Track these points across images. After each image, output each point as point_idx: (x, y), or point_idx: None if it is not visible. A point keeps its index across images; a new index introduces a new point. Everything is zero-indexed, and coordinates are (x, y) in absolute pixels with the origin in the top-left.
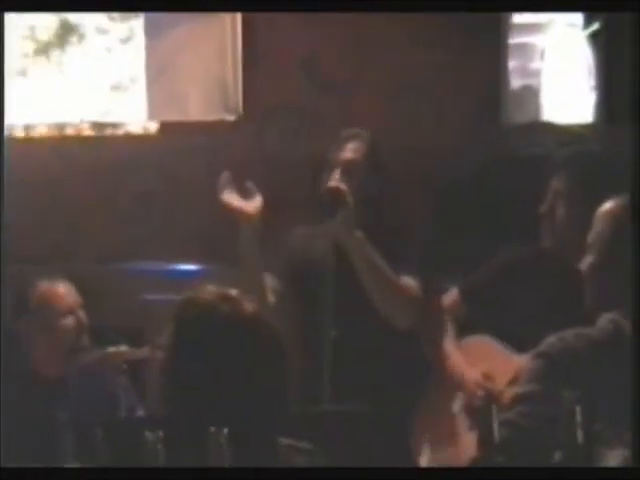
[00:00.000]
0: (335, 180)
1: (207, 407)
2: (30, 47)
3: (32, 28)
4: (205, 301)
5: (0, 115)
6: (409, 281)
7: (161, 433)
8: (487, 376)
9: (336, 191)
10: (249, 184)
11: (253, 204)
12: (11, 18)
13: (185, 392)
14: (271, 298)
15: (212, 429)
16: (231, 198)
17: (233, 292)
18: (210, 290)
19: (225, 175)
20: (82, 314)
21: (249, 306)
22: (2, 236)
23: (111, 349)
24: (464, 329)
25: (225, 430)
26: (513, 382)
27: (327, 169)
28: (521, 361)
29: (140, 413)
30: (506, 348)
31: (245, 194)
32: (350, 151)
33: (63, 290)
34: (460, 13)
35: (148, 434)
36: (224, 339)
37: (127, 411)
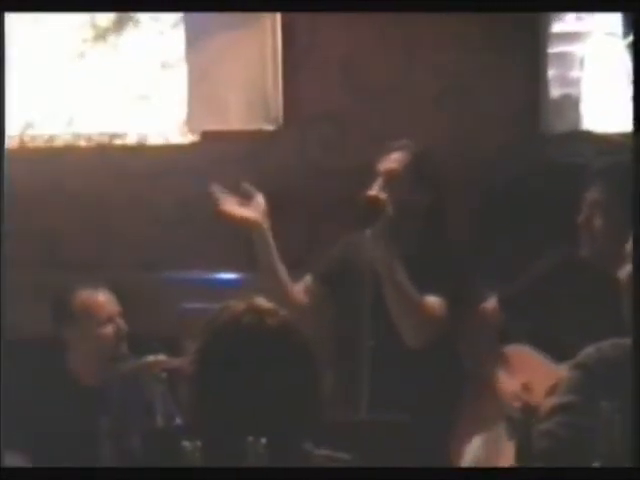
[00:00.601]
0: (375, 189)
1: (235, 417)
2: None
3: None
4: (231, 311)
5: (1, 116)
6: (433, 300)
7: (199, 443)
8: (526, 387)
9: (374, 200)
10: (245, 185)
11: (256, 208)
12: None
13: (211, 402)
14: (304, 299)
15: (250, 439)
16: (231, 208)
17: (262, 302)
18: (243, 300)
19: (215, 187)
20: (121, 322)
21: (275, 316)
22: (2, 237)
23: (149, 358)
24: (503, 338)
25: (263, 440)
26: (551, 392)
27: (371, 179)
28: (561, 371)
29: (178, 422)
30: (546, 358)
31: (245, 197)
32: (393, 161)
33: (103, 298)
34: (498, 20)
35: (186, 443)
36: (248, 350)
37: (165, 420)
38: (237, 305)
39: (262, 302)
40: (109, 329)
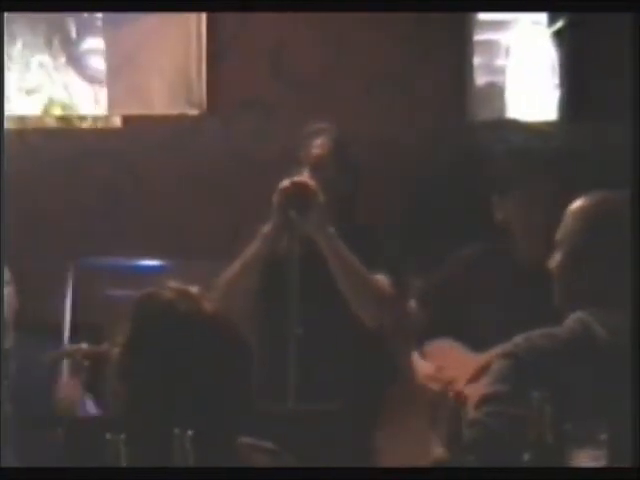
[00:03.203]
0: (304, 176)
1: (166, 407)
2: None
3: None
4: (163, 298)
5: (0, 114)
6: (382, 279)
7: (123, 435)
8: (440, 369)
9: (305, 187)
10: None
11: None
12: None
13: (142, 392)
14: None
15: (176, 431)
16: None
17: (193, 289)
18: (169, 287)
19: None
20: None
21: (209, 304)
22: (2, 236)
23: (71, 345)
24: (426, 331)
25: (189, 432)
26: (472, 380)
27: (295, 166)
28: (480, 359)
29: (99, 412)
30: (468, 348)
31: None
32: (318, 147)
33: None
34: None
35: (109, 435)
36: (183, 337)
37: (85, 410)
38: (165, 292)
39: (193, 288)
40: None
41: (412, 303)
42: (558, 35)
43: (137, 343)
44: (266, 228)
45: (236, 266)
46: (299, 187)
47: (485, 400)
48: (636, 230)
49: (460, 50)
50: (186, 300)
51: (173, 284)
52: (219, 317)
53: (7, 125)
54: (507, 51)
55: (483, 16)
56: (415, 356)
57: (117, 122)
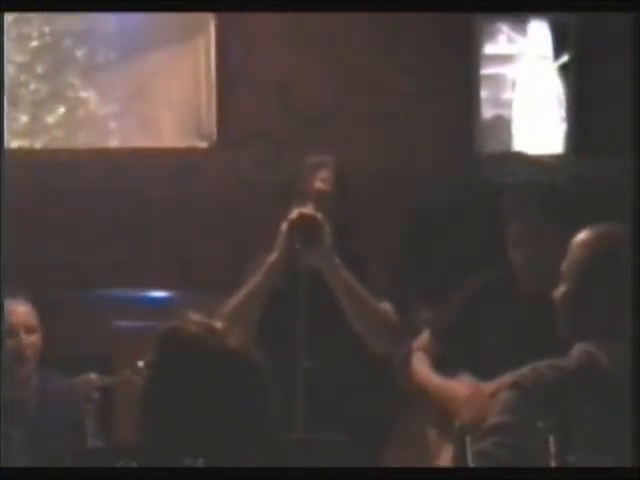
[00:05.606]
0: (309, 209)
1: (189, 439)
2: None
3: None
4: (188, 332)
5: (0, 118)
6: (387, 307)
7: (135, 464)
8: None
9: (313, 219)
10: None
11: None
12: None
13: (166, 424)
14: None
15: (187, 460)
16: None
17: (218, 324)
18: (193, 320)
19: None
20: (32, 337)
21: (234, 339)
22: (2, 241)
23: (81, 376)
24: (439, 365)
25: (200, 461)
26: (478, 408)
27: (298, 198)
28: (487, 388)
29: (109, 442)
30: (475, 378)
31: None
32: (321, 181)
33: (17, 309)
34: (431, 42)
35: (121, 465)
36: (210, 372)
37: (94, 440)
38: (190, 326)
39: (218, 323)
40: (11, 342)
41: (425, 336)
42: (564, 69)
43: (161, 376)
44: (270, 259)
45: (238, 297)
46: (307, 219)
47: (491, 431)
48: (636, 262)
49: (466, 84)
50: (211, 334)
51: (196, 317)
52: (243, 352)
53: (16, 159)
54: (513, 85)
55: (490, 50)
56: (428, 379)
57: (127, 154)
